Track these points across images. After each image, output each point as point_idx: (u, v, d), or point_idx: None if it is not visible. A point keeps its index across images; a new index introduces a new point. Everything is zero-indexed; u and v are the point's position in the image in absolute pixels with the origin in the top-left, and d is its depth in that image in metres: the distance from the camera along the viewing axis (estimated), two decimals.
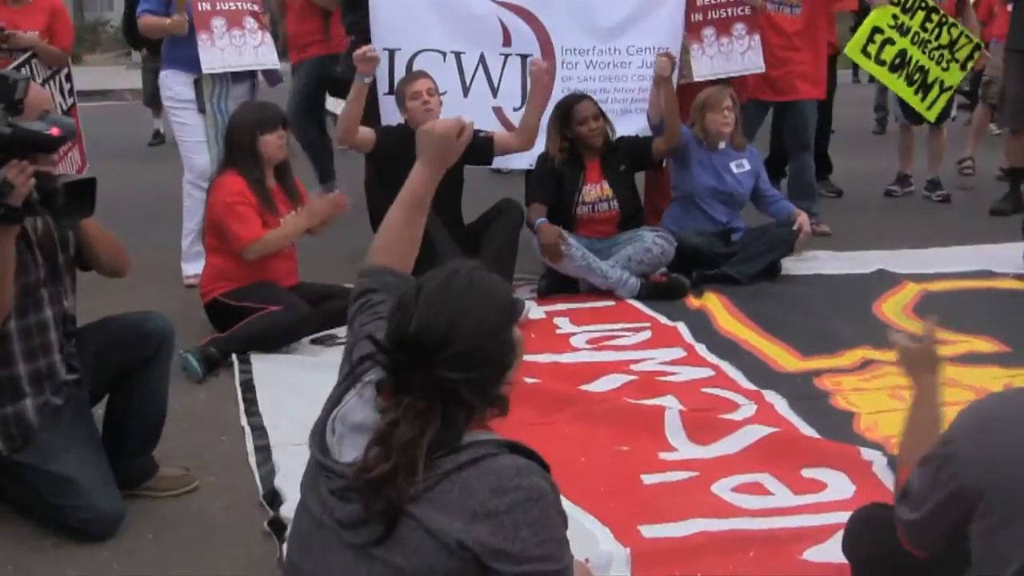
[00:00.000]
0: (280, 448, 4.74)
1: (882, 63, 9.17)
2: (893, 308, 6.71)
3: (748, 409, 5.17)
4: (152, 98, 13.02)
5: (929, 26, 9.12)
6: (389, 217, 3.21)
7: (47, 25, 7.71)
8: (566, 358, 5.94)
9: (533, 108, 7.16)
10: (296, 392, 5.29)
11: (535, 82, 7.14)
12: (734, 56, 8.28)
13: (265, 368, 5.79)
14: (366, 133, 6.95)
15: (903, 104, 9.83)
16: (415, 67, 7.47)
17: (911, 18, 9.07)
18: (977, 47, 9.39)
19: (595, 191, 7.22)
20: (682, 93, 7.81)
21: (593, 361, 5.89)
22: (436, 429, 2.47)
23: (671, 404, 5.15)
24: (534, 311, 6.70)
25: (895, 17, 9.04)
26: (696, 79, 8.06)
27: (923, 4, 9.10)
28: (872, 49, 9.10)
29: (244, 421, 5.14)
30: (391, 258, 3.16)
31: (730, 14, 8.24)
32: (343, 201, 6.37)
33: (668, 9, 8.03)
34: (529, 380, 5.39)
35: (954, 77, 9.40)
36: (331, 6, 8.56)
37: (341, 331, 5.98)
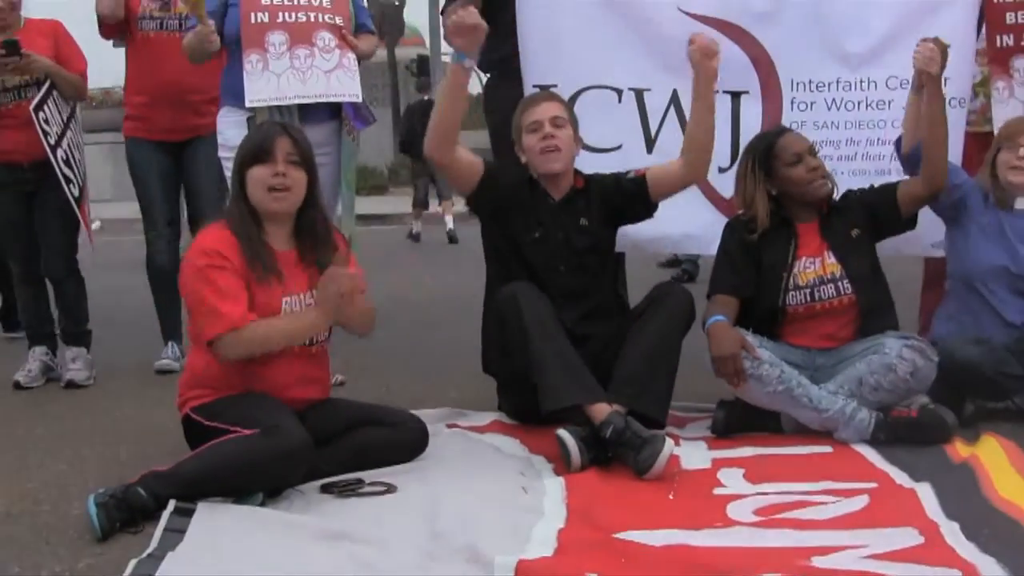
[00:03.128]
0: None
1: None
2: None
3: None
4: (418, 200, 15.79)
5: None
6: None
7: (53, 50, 5.84)
8: (701, 539, 3.39)
9: (698, 112, 4.76)
10: None
11: (697, 70, 4.74)
12: None
13: (208, 530, 3.51)
14: (471, 160, 4.73)
15: None
16: (577, 109, 5.15)
17: None
18: None
19: (814, 268, 4.66)
20: (971, 146, 5.34)
21: (746, 547, 3.32)
22: None
23: None
24: (692, 456, 4.20)
25: None
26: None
27: None
28: None
29: None
30: None
31: None
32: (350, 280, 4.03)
33: (954, 20, 5.39)
34: None
35: None
36: None
37: (372, 475, 4.05)
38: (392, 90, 32.29)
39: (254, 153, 4.09)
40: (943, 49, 4.72)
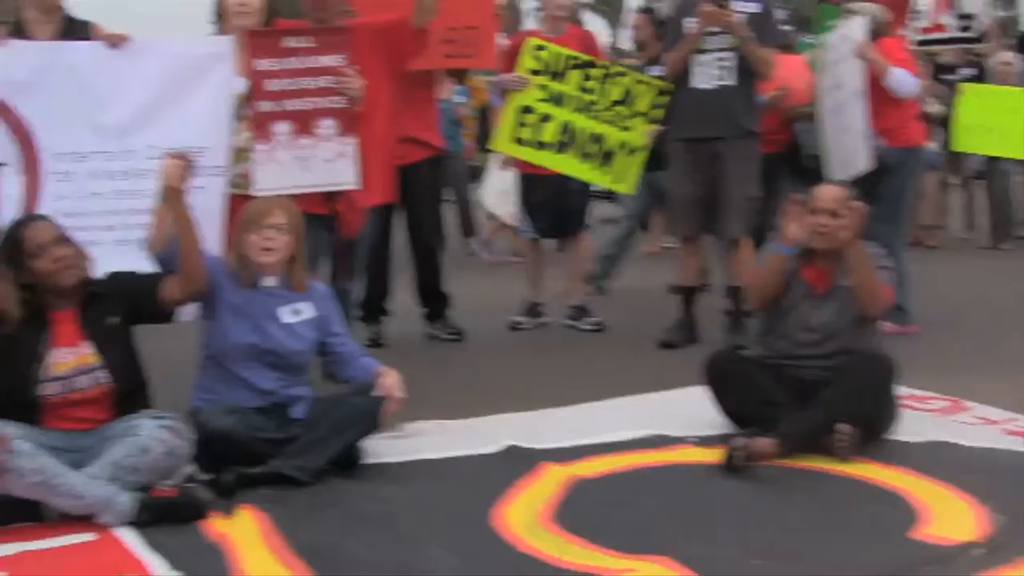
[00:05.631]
0: None
1: (544, 146, 7.53)
2: (523, 515, 4.42)
3: None
4: None
5: (590, 84, 7.51)
6: None
7: None
8: None
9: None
10: None
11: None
12: (316, 164, 5.81)
13: None
14: None
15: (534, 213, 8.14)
16: None
17: (562, 82, 7.49)
18: (663, 91, 7.51)
19: (70, 358, 4.66)
20: (240, 206, 5.45)
21: None
22: None
23: None
24: None
25: (544, 88, 7.49)
26: (256, 193, 5.57)
27: (575, 62, 7.48)
28: (527, 134, 7.51)
29: None
30: None
31: (317, 106, 5.80)
32: None
33: (210, 92, 5.71)
34: None
35: (639, 135, 7.57)
36: None
37: None
38: None
39: None
40: (186, 164, 4.88)
